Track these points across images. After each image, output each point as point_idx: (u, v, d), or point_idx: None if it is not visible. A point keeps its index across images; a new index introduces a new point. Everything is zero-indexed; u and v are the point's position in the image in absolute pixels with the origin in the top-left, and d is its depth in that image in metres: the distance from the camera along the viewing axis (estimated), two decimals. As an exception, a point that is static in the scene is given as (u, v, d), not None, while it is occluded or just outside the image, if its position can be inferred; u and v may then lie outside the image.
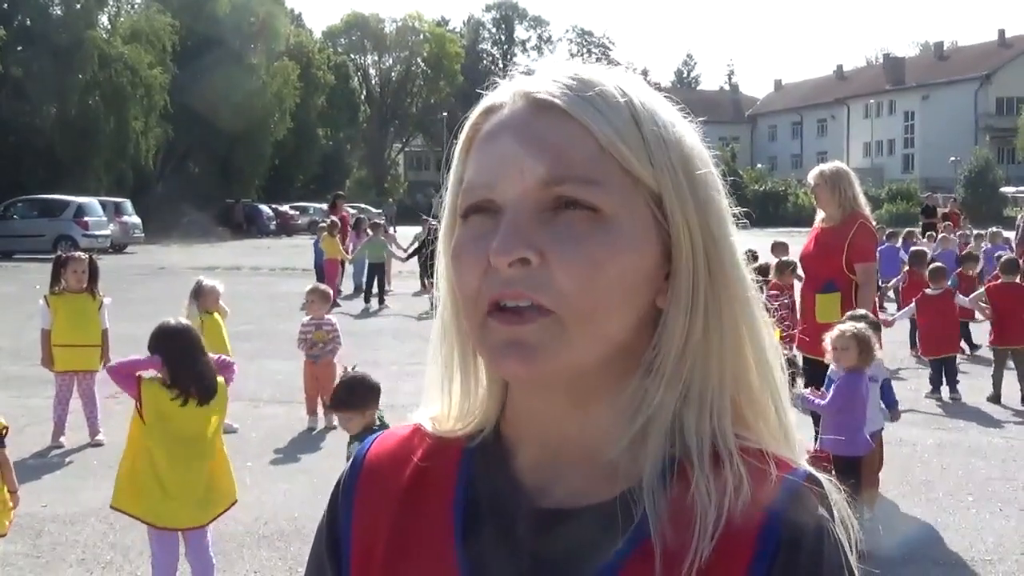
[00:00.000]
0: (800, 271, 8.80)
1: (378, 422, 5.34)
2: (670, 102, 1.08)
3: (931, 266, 12.33)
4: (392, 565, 1.10)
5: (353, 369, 5.77)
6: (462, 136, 1.08)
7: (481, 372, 1.11)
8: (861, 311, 7.04)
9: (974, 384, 11.41)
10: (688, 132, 1.06)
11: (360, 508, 1.15)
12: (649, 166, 1.00)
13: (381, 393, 5.50)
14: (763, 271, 11.36)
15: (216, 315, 9.24)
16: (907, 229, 20.74)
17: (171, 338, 5.25)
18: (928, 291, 11.56)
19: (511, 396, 1.10)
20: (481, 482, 1.09)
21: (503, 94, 1.06)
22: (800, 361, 7.79)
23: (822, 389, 6.71)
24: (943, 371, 11.17)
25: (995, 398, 10.85)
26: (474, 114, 1.07)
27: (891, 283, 15.50)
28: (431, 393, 1.16)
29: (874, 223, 7.88)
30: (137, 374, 5.22)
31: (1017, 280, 11.48)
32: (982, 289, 11.78)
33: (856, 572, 1.02)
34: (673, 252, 1.02)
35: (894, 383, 11.29)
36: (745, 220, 1.13)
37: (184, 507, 5.20)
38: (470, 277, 1.00)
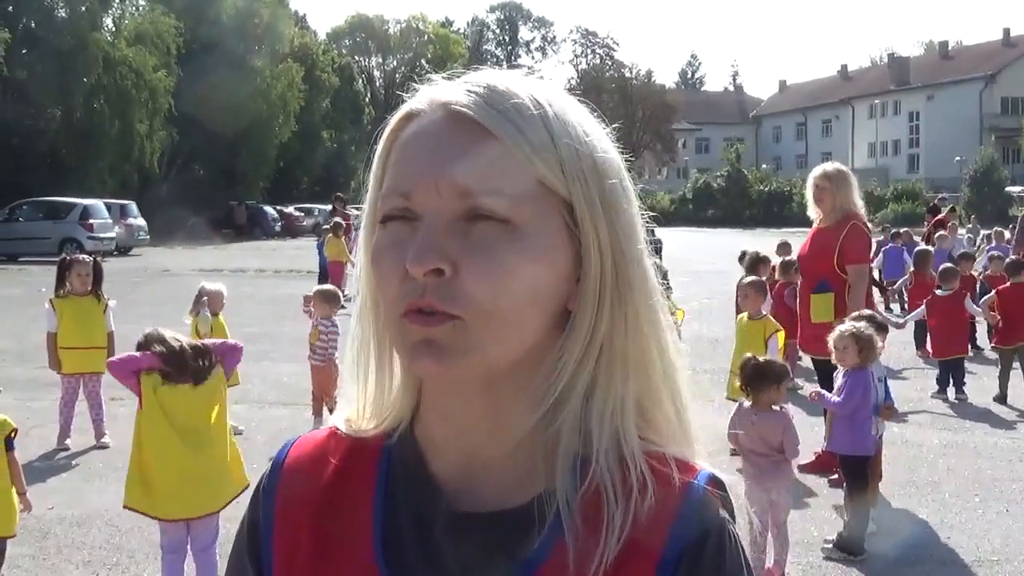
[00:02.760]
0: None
1: None
2: (585, 108, 1.10)
3: (942, 267, 12.31)
4: (315, 570, 1.11)
5: None
6: (382, 140, 1.10)
7: (396, 369, 1.13)
8: (867, 311, 7.05)
9: (980, 385, 11.39)
10: (601, 141, 1.08)
11: (281, 512, 1.15)
12: (561, 176, 1.03)
13: None
14: (752, 265, 11.38)
15: (219, 317, 9.26)
16: (903, 229, 20.71)
17: (158, 342, 5.31)
18: (939, 292, 11.55)
19: (425, 398, 1.12)
20: (399, 485, 1.10)
21: (421, 101, 1.07)
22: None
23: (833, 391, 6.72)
24: (950, 372, 11.15)
25: (1002, 398, 10.83)
26: (394, 119, 1.09)
27: (896, 284, 15.48)
28: (347, 392, 1.18)
29: (869, 225, 7.91)
30: (137, 369, 5.25)
31: (1022, 280, 11.46)
32: (992, 293, 11.74)
33: (753, 571, 1.07)
34: (583, 259, 1.04)
35: (899, 383, 11.33)
36: (653, 225, 1.16)
37: (194, 495, 5.24)
38: (389, 283, 1.03)
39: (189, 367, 5.23)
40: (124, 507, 5.44)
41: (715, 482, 1.08)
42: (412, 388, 1.13)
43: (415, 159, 1.03)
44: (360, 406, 1.16)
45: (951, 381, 11.08)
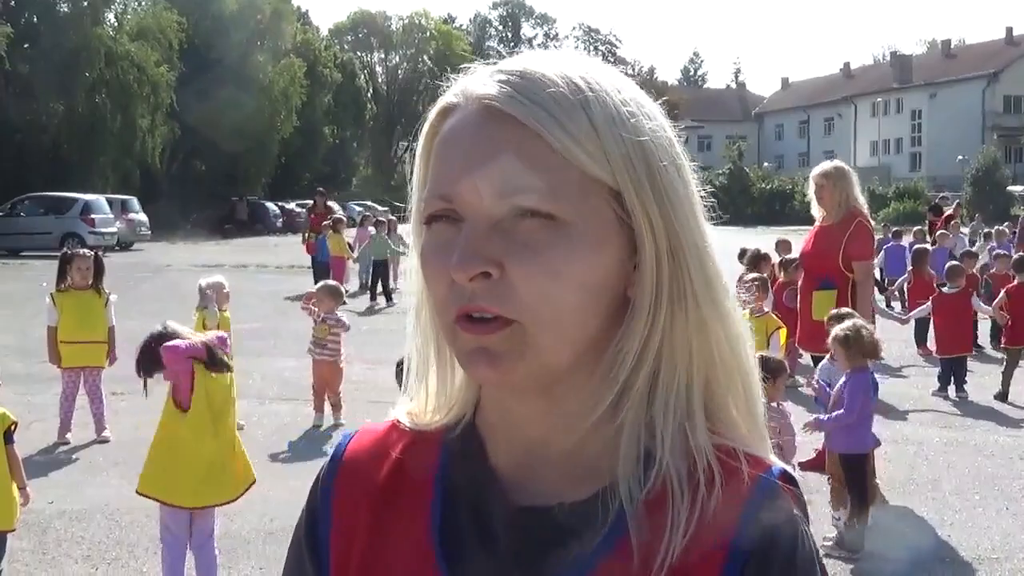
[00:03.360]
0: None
1: None
2: (631, 82, 1.06)
3: (948, 264, 12.30)
4: (371, 562, 1.10)
5: None
6: (421, 137, 1.08)
7: (457, 363, 1.10)
8: (845, 310, 7.04)
9: (980, 382, 11.39)
10: (651, 119, 1.04)
11: (339, 506, 1.15)
12: (607, 165, 0.99)
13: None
14: (753, 262, 11.33)
15: (224, 313, 9.29)
16: (916, 228, 20.69)
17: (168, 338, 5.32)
18: (945, 290, 11.55)
19: (484, 393, 1.11)
20: (459, 477, 1.09)
21: (456, 94, 1.05)
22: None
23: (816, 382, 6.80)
24: (952, 370, 11.15)
25: (1003, 396, 10.85)
26: (431, 115, 1.07)
27: (897, 282, 15.48)
28: (409, 387, 1.16)
29: (872, 223, 7.90)
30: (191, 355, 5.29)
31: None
32: (1003, 293, 11.73)
33: (827, 571, 1.02)
34: (637, 247, 1.01)
35: (900, 381, 11.34)
36: (717, 212, 1.11)
37: (217, 484, 5.36)
38: (437, 286, 1.01)
39: (219, 358, 5.30)
40: (138, 493, 5.43)
41: (787, 478, 1.04)
42: (473, 382, 1.11)
43: (453, 160, 1.01)
44: (422, 400, 1.15)
45: (952, 379, 11.09)
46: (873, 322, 7.83)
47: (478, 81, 1.03)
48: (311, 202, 23.02)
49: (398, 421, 1.17)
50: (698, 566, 0.97)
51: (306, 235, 21.61)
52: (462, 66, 1.08)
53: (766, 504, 1.00)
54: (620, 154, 0.99)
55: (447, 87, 1.08)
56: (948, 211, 24.29)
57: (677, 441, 1.02)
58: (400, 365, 5.90)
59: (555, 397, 1.04)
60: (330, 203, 23.30)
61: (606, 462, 1.03)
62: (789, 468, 1.05)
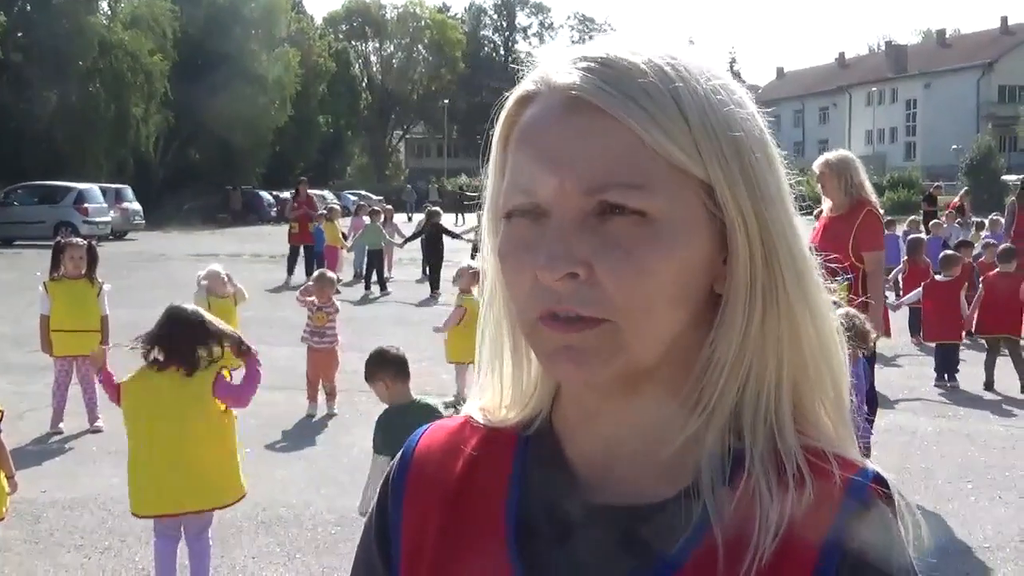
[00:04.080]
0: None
1: (416, 402, 5.44)
2: (718, 67, 1.02)
3: (943, 254, 12.32)
4: (444, 561, 1.08)
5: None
6: (498, 126, 1.04)
7: (533, 359, 1.08)
8: (845, 309, 7.02)
9: (974, 372, 11.40)
10: (741, 107, 0.99)
11: (410, 502, 1.13)
12: (697, 157, 0.95)
13: (403, 366, 5.53)
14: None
15: (226, 299, 9.30)
16: (933, 222, 20.68)
17: (169, 320, 5.28)
18: (938, 277, 11.56)
19: (564, 390, 1.08)
20: (535, 476, 1.06)
21: (536, 81, 1.00)
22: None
23: None
24: (944, 357, 11.18)
25: (988, 385, 10.89)
26: (509, 102, 1.03)
27: (892, 272, 15.47)
28: (482, 382, 1.13)
29: (881, 210, 7.84)
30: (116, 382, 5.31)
31: (1012, 270, 11.48)
32: (980, 282, 11.77)
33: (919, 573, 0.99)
34: (729, 241, 0.97)
35: (894, 371, 11.35)
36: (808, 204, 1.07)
37: (184, 488, 5.20)
38: (518, 284, 0.97)
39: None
40: (134, 515, 5.37)
41: (880, 480, 1.00)
42: (551, 379, 1.08)
43: (536, 152, 0.96)
44: (496, 396, 1.12)
45: (957, 367, 11.14)
46: (884, 311, 7.80)
47: (559, 69, 0.98)
48: (294, 191, 23.00)
49: (471, 417, 1.15)
50: (788, 569, 0.94)
51: (292, 226, 21.55)
52: (531, 50, 1.03)
53: (859, 508, 0.97)
54: (712, 147, 0.95)
55: (523, 73, 1.03)
56: (955, 200, 24.34)
57: (765, 442, 0.99)
58: (372, 359, 5.82)
59: (638, 394, 1.01)
60: (312, 192, 23.19)
61: (690, 461, 0.99)
62: (881, 471, 1.02)
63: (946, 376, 11.07)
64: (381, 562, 1.13)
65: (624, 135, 0.93)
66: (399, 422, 5.13)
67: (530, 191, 0.96)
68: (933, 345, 11.77)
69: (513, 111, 1.02)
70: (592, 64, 0.96)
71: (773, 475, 0.96)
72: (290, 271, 21.27)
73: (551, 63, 1.00)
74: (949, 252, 12.39)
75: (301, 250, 21.22)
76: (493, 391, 1.12)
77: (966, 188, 26.31)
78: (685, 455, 1.00)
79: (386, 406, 5.45)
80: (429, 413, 4.97)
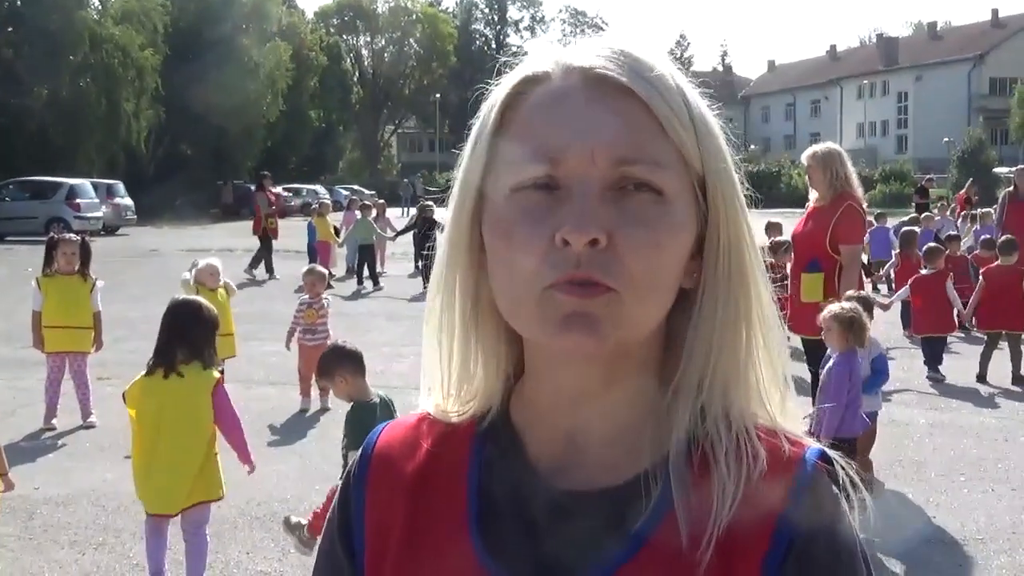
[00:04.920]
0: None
1: (376, 398, 5.45)
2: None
3: (926, 247, 12.33)
4: (407, 556, 1.09)
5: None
6: (495, 107, 1.05)
7: (480, 356, 1.11)
8: (856, 292, 7.04)
9: (966, 364, 11.43)
10: (719, 119, 1.07)
11: (372, 499, 1.15)
12: (698, 152, 1.01)
13: (360, 361, 5.56)
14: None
15: (217, 292, 9.28)
16: (911, 215, 20.68)
17: (170, 313, 5.29)
18: (923, 271, 11.58)
19: (529, 378, 1.10)
20: (495, 467, 1.08)
21: (544, 63, 1.03)
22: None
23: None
24: (932, 350, 11.20)
25: (981, 377, 10.92)
26: (510, 83, 1.04)
27: (886, 267, 15.48)
28: (431, 380, 1.15)
29: (865, 204, 7.86)
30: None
31: (1013, 262, 11.48)
32: (980, 275, 11.78)
33: (865, 547, 1.03)
34: (708, 234, 1.03)
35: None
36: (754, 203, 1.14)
37: (180, 488, 5.22)
38: (527, 256, 0.98)
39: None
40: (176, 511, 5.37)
41: (825, 457, 1.05)
42: (503, 372, 1.11)
43: (560, 124, 0.99)
44: (445, 391, 1.14)
45: (941, 360, 11.16)
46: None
47: (579, 53, 1.03)
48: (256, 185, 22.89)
49: (427, 413, 1.17)
50: (745, 540, 0.98)
51: (268, 220, 21.44)
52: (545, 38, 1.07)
53: (810, 482, 1.01)
54: (709, 144, 1.03)
55: (516, 64, 1.07)
56: (961, 193, 24.42)
57: (721, 421, 1.03)
58: (330, 355, 5.78)
59: (614, 375, 1.04)
60: (274, 187, 23.15)
61: (648, 446, 1.03)
62: (826, 448, 1.07)
63: (941, 368, 11.07)
64: (345, 556, 1.15)
65: (646, 117, 0.99)
66: (371, 421, 5.14)
67: (555, 160, 0.98)
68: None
69: (516, 91, 1.03)
70: (611, 52, 1.01)
71: (731, 452, 1.01)
72: (269, 268, 21.21)
73: (567, 49, 1.04)
74: (932, 245, 12.42)
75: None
76: (442, 390, 1.15)
77: (972, 180, 26.37)
78: (644, 439, 1.04)
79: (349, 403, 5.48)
80: (394, 410, 5.10)
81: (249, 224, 23.26)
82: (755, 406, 1.07)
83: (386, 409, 5.28)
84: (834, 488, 1.03)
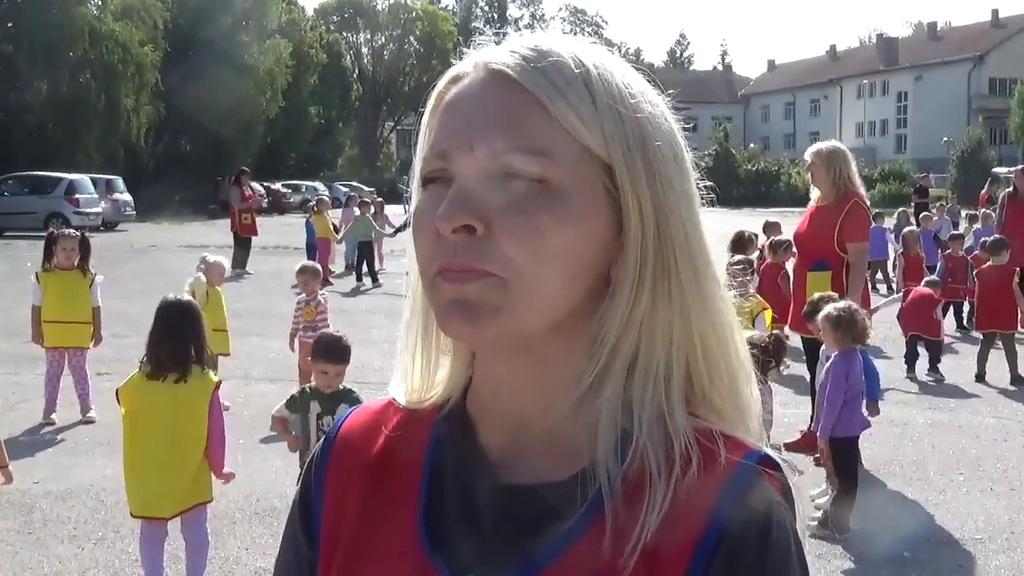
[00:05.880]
0: (794, 250, 8.82)
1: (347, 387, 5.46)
2: (640, 75, 1.08)
3: (990, 239, 12.23)
4: (360, 539, 1.11)
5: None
6: (428, 105, 1.09)
7: (443, 342, 1.13)
8: (828, 293, 7.05)
9: (965, 364, 11.44)
10: (653, 106, 1.05)
11: (331, 480, 1.16)
12: (601, 139, 1.00)
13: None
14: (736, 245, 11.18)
15: (217, 289, 9.30)
16: (899, 209, 20.74)
17: (162, 313, 5.27)
18: (923, 288, 11.59)
19: (477, 368, 1.11)
20: (447, 455, 1.10)
21: (467, 64, 1.06)
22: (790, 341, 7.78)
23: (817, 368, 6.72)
24: (928, 350, 11.22)
25: (979, 376, 10.93)
26: (440, 84, 1.08)
27: (890, 270, 15.49)
28: (400, 367, 1.17)
29: (869, 203, 7.87)
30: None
31: (1004, 262, 11.50)
32: (975, 275, 11.79)
33: (804, 557, 1.02)
34: (623, 224, 1.02)
35: (883, 363, 11.35)
36: (712, 196, 1.12)
37: (175, 491, 5.21)
38: (424, 245, 1.01)
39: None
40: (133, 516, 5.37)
41: (769, 462, 1.03)
42: (464, 360, 1.13)
43: (453, 120, 1.02)
44: (409, 378, 1.16)
45: (939, 359, 11.17)
46: (868, 305, 7.85)
47: (488, 50, 1.05)
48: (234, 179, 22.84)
49: (394, 399, 1.18)
50: (671, 546, 0.97)
51: (242, 216, 21.38)
52: (479, 41, 1.08)
53: (743, 487, 0.99)
54: (615, 129, 1.01)
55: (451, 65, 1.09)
56: (983, 192, 24.45)
57: (655, 423, 1.02)
58: (332, 344, 5.75)
59: (540, 368, 1.05)
60: (253, 184, 23.11)
61: (585, 443, 1.02)
62: (773, 453, 1.05)
63: (928, 368, 11.08)
64: (304, 539, 1.17)
65: (537, 109, 0.99)
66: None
67: (443, 153, 1.01)
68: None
69: (443, 90, 1.07)
70: (519, 47, 1.03)
71: (663, 455, 1.00)
72: (243, 264, 21.07)
73: (484, 48, 1.06)
74: (997, 237, 12.24)
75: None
76: (407, 376, 1.16)
77: (991, 177, 26.37)
78: (582, 436, 1.03)
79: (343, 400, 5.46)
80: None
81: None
82: (698, 407, 1.05)
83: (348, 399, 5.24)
84: (772, 494, 1.01)
